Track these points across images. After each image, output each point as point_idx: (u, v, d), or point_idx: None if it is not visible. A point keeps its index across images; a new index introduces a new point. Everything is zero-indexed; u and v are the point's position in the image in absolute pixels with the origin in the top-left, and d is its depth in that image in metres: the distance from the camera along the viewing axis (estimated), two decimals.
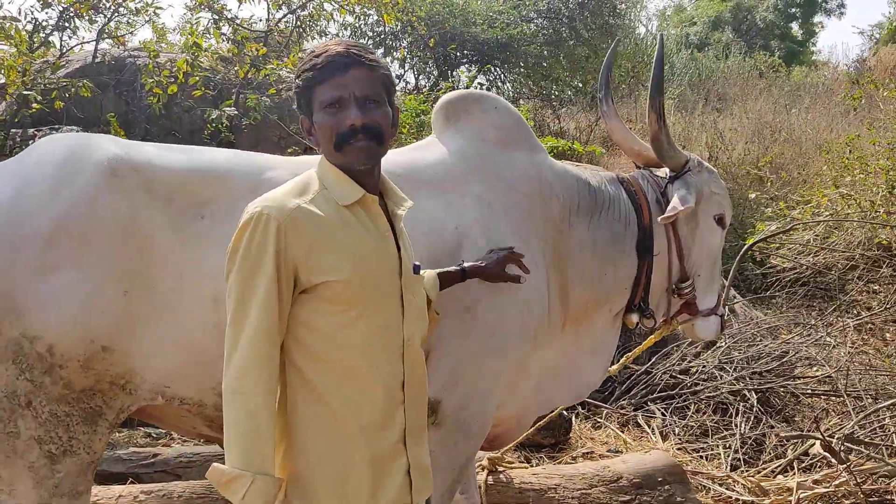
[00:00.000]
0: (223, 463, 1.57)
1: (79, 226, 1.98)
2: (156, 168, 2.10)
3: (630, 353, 3.25)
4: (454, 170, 2.39)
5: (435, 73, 11.40)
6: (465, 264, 2.17)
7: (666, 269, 2.70)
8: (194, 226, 2.08)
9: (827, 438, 3.35)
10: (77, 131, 7.27)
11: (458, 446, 2.34)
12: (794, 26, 25.57)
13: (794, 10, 25.04)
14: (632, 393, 4.46)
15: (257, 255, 1.59)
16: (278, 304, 1.60)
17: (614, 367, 3.24)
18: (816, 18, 25.76)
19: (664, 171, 2.75)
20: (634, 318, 2.70)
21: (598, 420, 4.22)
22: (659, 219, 2.57)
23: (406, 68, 11.48)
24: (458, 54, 10.97)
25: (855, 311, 6.06)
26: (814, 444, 3.51)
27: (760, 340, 4.84)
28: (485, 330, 2.28)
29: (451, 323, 2.23)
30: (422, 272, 1.90)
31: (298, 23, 9.19)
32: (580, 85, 12.50)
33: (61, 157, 2.07)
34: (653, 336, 3.07)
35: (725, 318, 3.05)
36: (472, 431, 2.35)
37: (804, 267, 6.52)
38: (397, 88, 11.68)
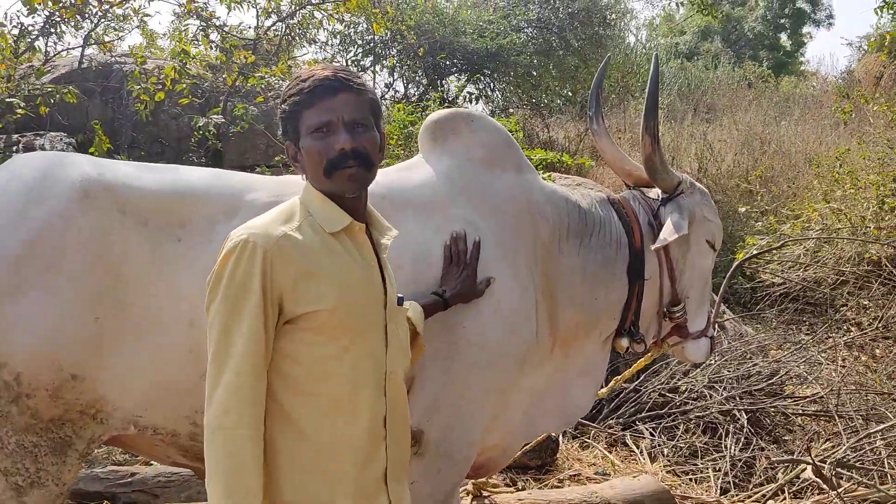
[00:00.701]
0: (203, 486, 1.50)
1: (48, 248, 1.90)
2: (131, 188, 2.03)
3: (619, 376, 3.20)
4: (441, 192, 2.33)
5: (424, 81, 11.36)
6: (447, 294, 2.10)
7: (657, 293, 2.65)
8: (170, 248, 2.00)
9: (818, 463, 3.30)
10: (62, 138, 7.18)
11: (442, 475, 2.27)
12: (783, 37, 25.73)
13: (782, 20, 25.20)
14: (620, 411, 4.40)
15: (243, 283, 1.53)
16: (264, 335, 1.54)
17: (603, 389, 3.19)
18: (805, 29, 25.95)
19: (656, 192, 2.70)
20: (624, 342, 2.65)
21: (586, 440, 4.15)
22: (652, 247, 2.51)
23: (395, 77, 11.46)
24: (448, 63, 10.94)
25: (845, 328, 6.04)
26: (805, 468, 3.46)
27: (751, 358, 4.80)
28: (468, 356, 2.21)
29: (433, 349, 2.16)
30: (405, 304, 1.84)
31: (287, 31, 9.13)
32: (570, 94, 12.49)
33: (32, 176, 1.99)
34: (643, 359, 3.03)
35: (715, 338, 3.01)
36: (457, 460, 2.29)
37: (794, 282, 6.49)
38: (387, 97, 11.58)
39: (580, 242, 2.51)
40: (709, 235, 2.69)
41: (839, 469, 3.40)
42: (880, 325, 5.77)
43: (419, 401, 2.17)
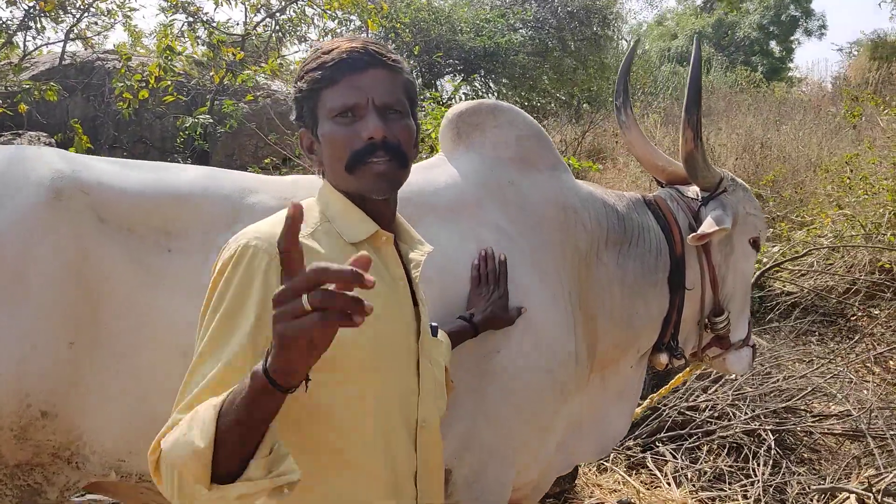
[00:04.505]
0: None
1: (12, 259, 1.60)
2: (112, 189, 1.73)
3: (654, 394, 2.95)
4: (469, 195, 2.04)
5: (420, 81, 11.08)
6: (476, 318, 1.81)
7: (698, 302, 2.40)
8: (159, 261, 1.71)
9: (861, 492, 3.05)
10: (41, 137, 6.86)
11: None
12: (773, 43, 25.79)
13: (774, 28, 25.27)
14: (638, 431, 4.11)
15: (238, 295, 1.20)
16: (252, 360, 1.16)
17: (637, 409, 2.93)
18: (794, 36, 26.04)
19: (693, 190, 2.44)
20: (664, 358, 2.39)
21: (604, 462, 3.86)
22: (688, 238, 2.24)
23: None
24: (444, 62, 10.65)
25: (857, 337, 5.80)
26: (847, 497, 3.20)
27: (771, 373, 4.54)
28: (502, 386, 1.93)
29: (465, 379, 1.87)
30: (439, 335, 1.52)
31: (277, 27, 8.82)
32: (566, 97, 12.23)
33: None
34: (682, 373, 2.79)
35: (756, 348, 2.77)
36: (490, 502, 1.99)
37: (806, 290, 6.25)
38: None
39: (619, 251, 2.24)
40: (754, 233, 2.46)
41: (887, 499, 3.13)
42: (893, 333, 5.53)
43: (448, 438, 1.87)
